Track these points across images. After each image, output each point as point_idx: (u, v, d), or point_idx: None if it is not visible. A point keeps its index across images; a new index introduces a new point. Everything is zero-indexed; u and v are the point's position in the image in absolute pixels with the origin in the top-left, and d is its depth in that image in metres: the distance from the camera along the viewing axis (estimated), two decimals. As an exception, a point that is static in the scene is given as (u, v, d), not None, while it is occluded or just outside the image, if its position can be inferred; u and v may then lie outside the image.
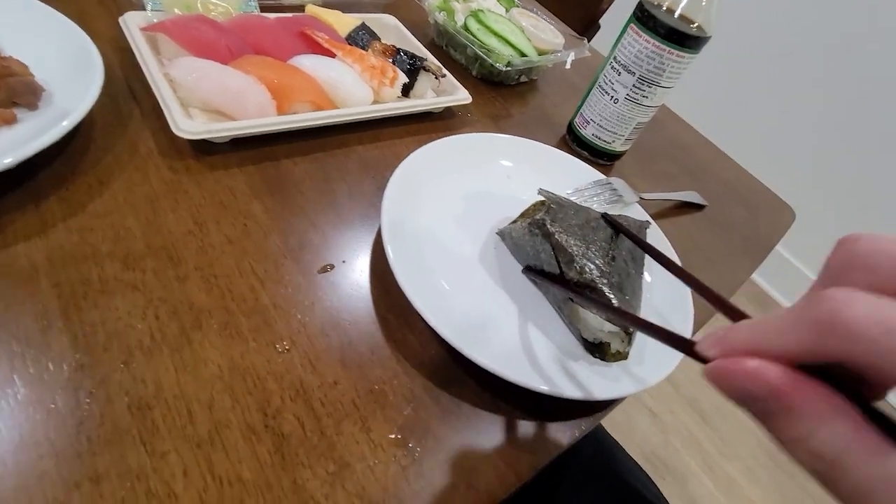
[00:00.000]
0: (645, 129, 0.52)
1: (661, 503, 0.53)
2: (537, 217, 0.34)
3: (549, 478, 0.50)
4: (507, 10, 0.62)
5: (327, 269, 0.33)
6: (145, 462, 0.23)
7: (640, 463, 0.56)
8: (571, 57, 0.60)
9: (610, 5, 0.93)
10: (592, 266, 0.32)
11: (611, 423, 1.11)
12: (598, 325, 0.32)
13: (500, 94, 0.59)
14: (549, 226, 0.33)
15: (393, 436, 0.27)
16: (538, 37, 0.59)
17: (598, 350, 0.33)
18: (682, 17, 0.44)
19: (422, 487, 0.26)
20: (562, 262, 0.33)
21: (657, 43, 0.44)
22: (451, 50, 0.60)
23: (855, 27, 1.33)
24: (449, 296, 0.33)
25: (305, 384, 0.27)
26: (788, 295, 1.64)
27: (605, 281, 0.31)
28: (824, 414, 0.12)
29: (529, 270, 0.37)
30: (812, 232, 1.47)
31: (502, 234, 0.39)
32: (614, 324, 0.31)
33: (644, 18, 0.44)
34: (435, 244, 0.36)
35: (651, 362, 0.33)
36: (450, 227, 0.38)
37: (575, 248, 0.32)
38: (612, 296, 0.31)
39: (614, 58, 0.48)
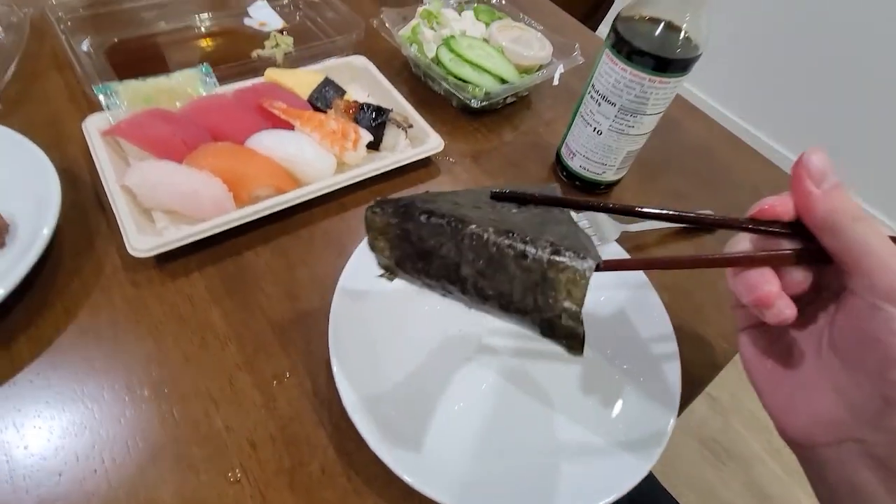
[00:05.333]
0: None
1: None
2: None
3: None
4: (487, 26, 0.57)
5: (283, 378, 0.33)
6: None
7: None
8: (560, 70, 0.55)
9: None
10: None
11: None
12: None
13: (484, 123, 0.55)
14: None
15: (340, 567, 0.27)
16: (520, 54, 0.54)
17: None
18: (667, 25, 0.38)
19: None
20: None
21: (634, 71, 0.39)
22: (430, 81, 0.57)
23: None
24: (406, 414, 0.31)
25: (254, 516, 0.28)
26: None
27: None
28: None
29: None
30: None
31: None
32: None
33: (618, 44, 0.39)
34: (393, 349, 0.34)
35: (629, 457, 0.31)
36: (410, 325, 0.36)
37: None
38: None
39: (592, 86, 0.43)
